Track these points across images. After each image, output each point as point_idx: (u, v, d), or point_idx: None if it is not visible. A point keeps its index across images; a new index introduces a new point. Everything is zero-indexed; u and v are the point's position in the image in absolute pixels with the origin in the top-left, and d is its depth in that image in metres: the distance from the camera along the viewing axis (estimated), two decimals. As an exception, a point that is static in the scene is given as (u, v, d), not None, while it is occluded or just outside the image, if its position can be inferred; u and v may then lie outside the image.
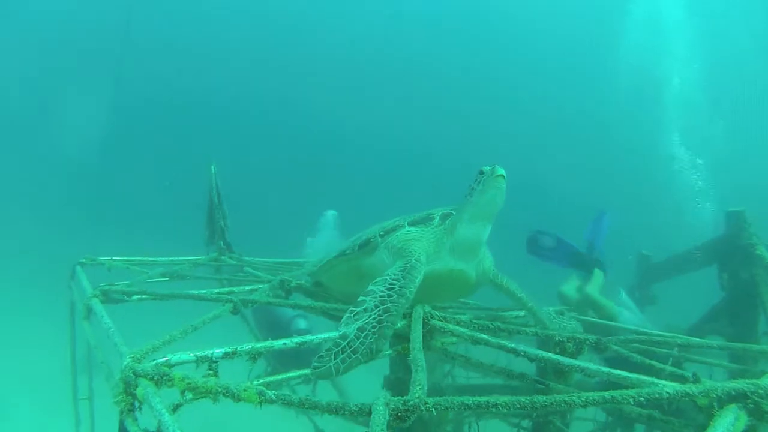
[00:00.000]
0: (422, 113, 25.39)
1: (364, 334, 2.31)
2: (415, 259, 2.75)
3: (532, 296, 3.26)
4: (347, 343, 2.28)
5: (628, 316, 4.97)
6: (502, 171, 2.71)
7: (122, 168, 22.79)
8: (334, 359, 2.24)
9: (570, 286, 5.16)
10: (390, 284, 2.57)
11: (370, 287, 2.58)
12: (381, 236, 3.00)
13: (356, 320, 2.39)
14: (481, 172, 2.79)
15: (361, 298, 2.52)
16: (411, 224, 2.99)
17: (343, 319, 2.44)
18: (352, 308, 2.47)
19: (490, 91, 25.76)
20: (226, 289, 3.63)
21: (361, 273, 3.09)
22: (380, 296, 2.50)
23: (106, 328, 2.72)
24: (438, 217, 2.99)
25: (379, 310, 2.42)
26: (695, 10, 16.81)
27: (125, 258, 4.70)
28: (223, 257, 5.04)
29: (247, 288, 3.58)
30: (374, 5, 27.01)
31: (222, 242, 5.12)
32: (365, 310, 2.45)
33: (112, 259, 4.57)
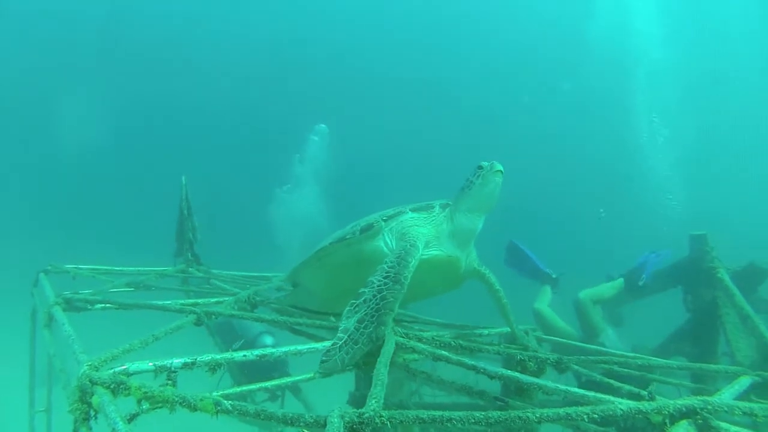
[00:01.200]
0: (396, 119, 25.12)
1: (363, 324, 2.40)
2: (410, 245, 2.83)
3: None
4: (349, 336, 2.36)
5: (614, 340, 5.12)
6: (500, 167, 2.93)
7: (94, 176, 22.37)
8: (339, 352, 2.31)
9: (543, 301, 5.34)
10: (386, 272, 2.65)
11: (370, 278, 2.65)
12: (384, 221, 3.04)
13: (356, 312, 2.48)
14: (480, 167, 2.98)
15: (361, 290, 2.59)
16: (413, 210, 3.09)
17: (344, 314, 2.51)
18: (352, 301, 2.56)
19: (456, 89, 25.60)
20: (191, 300, 3.60)
21: (361, 259, 3.08)
22: (377, 285, 2.57)
23: (67, 336, 2.68)
24: (438, 206, 3.11)
25: (376, 299, 2.50)
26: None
27: (91, 267, 4.63)
28: (190, 269, 5.00)
29: (213, 300, 3.56)
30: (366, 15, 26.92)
31: (190, 254, 5.08)
32: (364, 301, 2.53)
33: (77, 267, 4.51)
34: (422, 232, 2.99)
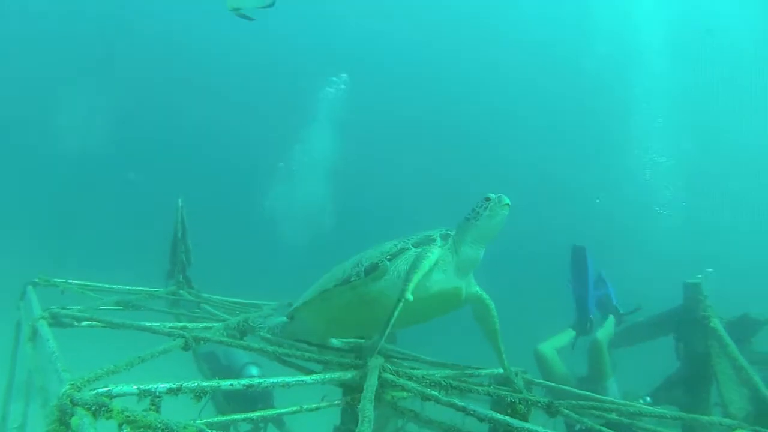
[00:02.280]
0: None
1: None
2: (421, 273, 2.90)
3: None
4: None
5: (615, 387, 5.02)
6: (508, 200, 2.98)
7: (89, 188, 22.09)
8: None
9: (552, 345, 5.20)
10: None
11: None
12: (389, 260, 3.01)
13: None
14: (488, 199, 3.00)
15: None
16: (415, 245, 3.07)
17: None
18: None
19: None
20: (180, 324, 3.56)
21: (367, 300, 3.06)
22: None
23: (50, 352, 2.63)
24: (438, 238, 3.09)
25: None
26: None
27: (81, 282, 4.58)
28: (181, 291, 4.95)
29: (202, 325, 3.51)
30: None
31: (181, 276, 5.04)
32: None
33: (67, 281, 4.45)
34: (434, 260, 3.01)
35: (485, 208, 2.98)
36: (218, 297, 4.99)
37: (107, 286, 4.68)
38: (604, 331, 5.30)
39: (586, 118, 21.20)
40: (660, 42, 17.28)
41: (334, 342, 3.54)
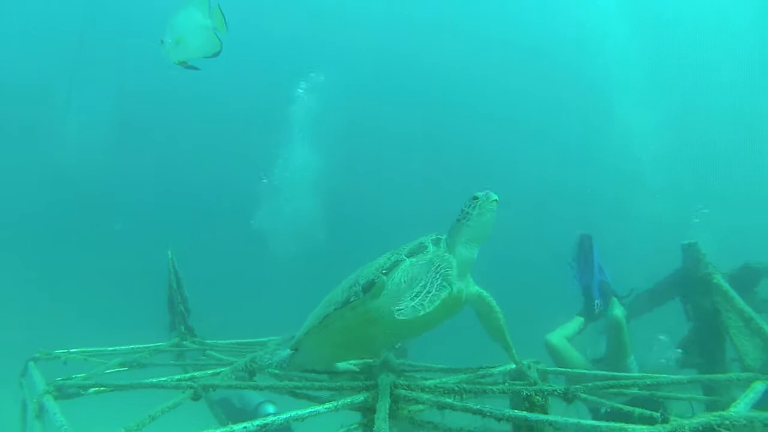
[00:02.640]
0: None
1: (432, 279, 2.69)
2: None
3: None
4: (421, 288, 2.61)
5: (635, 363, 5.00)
6: (495, 196, 3.00)
7: (77, 253, 21.55)
8: (411, 302, 2.54)
9: (561, 334, 5.17)
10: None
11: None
12: (385, 274, 2.98)
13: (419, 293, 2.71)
14: (476, 198, 3.02)
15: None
16: (409, 255, 3.06)
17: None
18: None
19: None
20: (188, 374, 3.52)
21: (369, 319, 3.01)
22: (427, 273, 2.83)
23: (59, 427, 2.59)
24: (430, 243, 3.10)
25: (432, 272, 2.80)
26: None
27: (82, 349, 4.53)
28: (184, 342, 4.91)
29: (209, 372, 3.48)
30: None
31: (183, 327, 5.01)
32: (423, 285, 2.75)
33: (68, 351, 4.41)
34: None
35: (474, 207, 2.99)
36: (222, 341, 4.96)
37: (110, 349, 4.64)
38: (620, 309, 5.28)
39: (564, 112, 21.23)
40: (630, 29, 17.50)
41: (342, 366, 3.51)
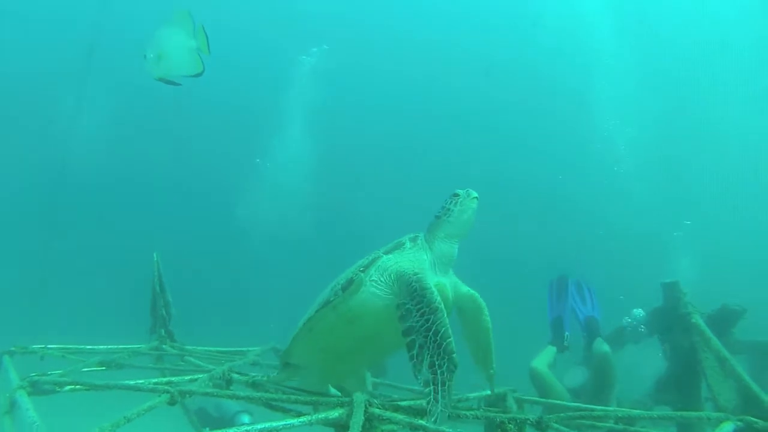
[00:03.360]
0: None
1: (437, 365, 2.51)
2: (412, 273, 2.88)
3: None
4: (435, 385, 2.47)
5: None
6: (476, 194, 3.08)
7: (61, 245, 21.06)
8: (439, 403, 2.42)
9: (543, 361, 5.24)
10: (418, 310, 2.70)
11: (406, 325, 2.69)
12: (362, 271, 3.00)
13: (421, 362, 2.56)
14: (456, 195, 3.10)
15: (409, 340, 2.64)
16: (387, 252, 3.10)
17: (413, 369, 2.58)
18: (411, 354, 2.61)
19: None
20: (166, 379, 3.51)
21: (352, 317, 3.01)
22: (420, 326, 2.64)
23: (30, 422, 2.58)
24: (407, 241, 3.15)
25: (431, 339, 2.58)
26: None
27: (61, 346, 4.50)
28: (164, 346, 4.90)
29: (187, 378, 3.47)
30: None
31: (163, 331, 5.00)
32: (420, 347, 2.60)
33: (46, 347, 4.38)
34: (406, 266, 3.00)
35: (455, 204, 3.08)
36: (202, 348, 4.95)
37: (89, 347, 4.61)
38: (606, 346, 5.37)
39: (547, 122, 20.98)
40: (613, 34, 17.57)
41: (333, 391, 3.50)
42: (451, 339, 2.56)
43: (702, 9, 20.28)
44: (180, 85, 4.43)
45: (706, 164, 18.66)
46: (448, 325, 2.62)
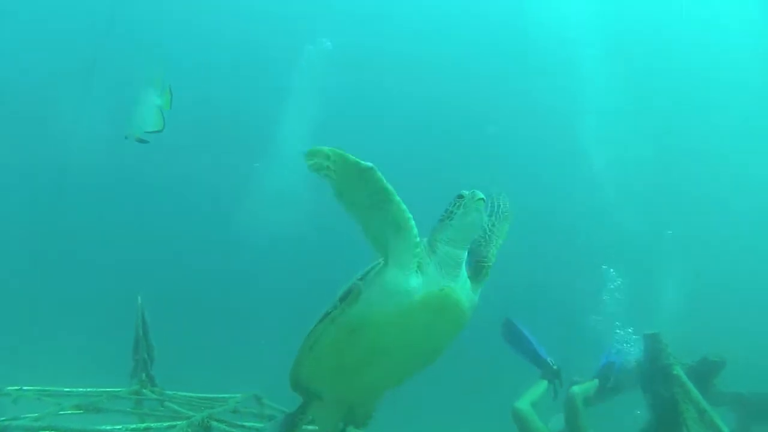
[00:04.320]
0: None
1: None
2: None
3: None
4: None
5: None
6: (482, 195, 2.78)
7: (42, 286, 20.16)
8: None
9: (527, 400, 5.18)
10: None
11: None
12: (361, 280, 2.83)
13: None
14: (461, 196, 2.82)
15: None
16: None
17: None
18: None
19: None
20: (144, 424, 3.48)
21: (354, 328, 2.80)
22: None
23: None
24: None
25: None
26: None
27: (37, 388, 4.44)
28: (144, 390, 4.84)
29: (165, 425, 3.44)
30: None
31: (144, 375, 4.96)
32: None
33: (21, 389, 4.33)
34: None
35: (459, 206, 2.79)
36: (183, 393, 4.90)
37: (66, 389, 4.55)
38: (582, 387, 5.33)
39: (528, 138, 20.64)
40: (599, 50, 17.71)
41: None
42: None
43: (688, 26, 20.62)
44: (148, 142, 4.63)
45: (691, 183, 18.71)
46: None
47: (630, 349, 5.77)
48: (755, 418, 5.57)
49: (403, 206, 2.64)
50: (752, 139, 19.49)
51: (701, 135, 19.45)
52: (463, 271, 2.90)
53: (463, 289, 2.86)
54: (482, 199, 2.77)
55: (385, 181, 2.58)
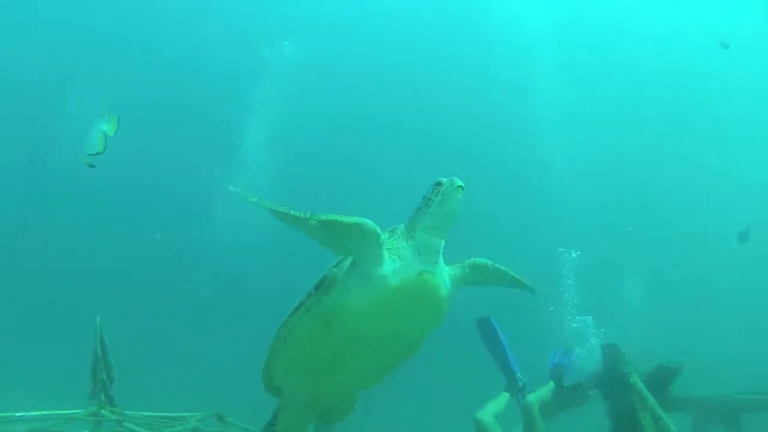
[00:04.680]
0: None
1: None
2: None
3: None
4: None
5: None
6: (461, 182, 2.69)
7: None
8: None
9: (489, 411, 5.19)
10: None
11: None
12: (336, 267, 2.76)
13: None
14: (439, 184, 2.74)
15: None
16: None
17: None
18: None
19: None
20: (101, 448, 3.39)
21: (329, 319, 2.70)
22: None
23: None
24: (386, 233, 2.76)
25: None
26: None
27: (-14, 414, 4.30)
28: (103, 411, 4.72)
29: (123, 448, 3.37)
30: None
31: (103, 395, 4.83)
32: None
33: (-33, 417, 4.18)
34: (386, 249, 2.71)
35: (437, 194, 2.71)
36: (142, 413, 4.80)
37: (18, 414, 4.40)
38: (537, 395, 5.39)
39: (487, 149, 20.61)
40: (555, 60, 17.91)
41: None
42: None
43: (642, 34, 21.04)
44: (94, 166, 4.84)
45: (652, 192, 19.06)
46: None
47: (578, 348, 5.87)
48: (711, 421, 5.78)
49: (352, 220, 2.59)
50: (710, 140, 20.06)
51: (660, 137, 19.93)
52: (441, 260, 2.83)
53: (440, 276, 2.79)
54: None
55: (322, 216, 2.53)
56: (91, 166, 4.78)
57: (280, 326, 2.89)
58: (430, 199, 2.73)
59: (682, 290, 16.04)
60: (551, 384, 5.57)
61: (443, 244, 2.79)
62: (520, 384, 5.43)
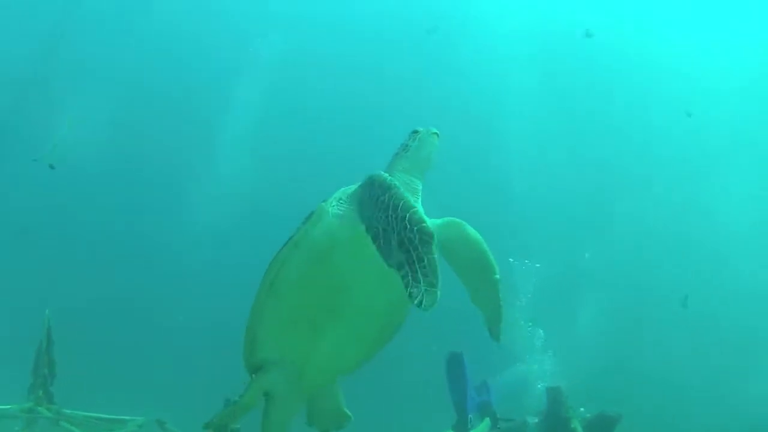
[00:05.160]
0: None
1: (408, 239, 2.08)
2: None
3: None
4: (409, 265, 2.00)
5: None
6: (436, 130, 2.90)
7: None
8: (420, 283, 1.93)
9: None
10: (371, 195, 2.41)
11: (364, 216, 2.40)
12: (325, 201, 2.78)
13: (389, 243, 2.17)
14: (416, 131, 2.93)
15: (372, 234, 2.26)
16: (347, 187, 2.82)
17: (383, 257, 2.14)
18: (377, 243, 2.22)
19: None
20: (31, 446, 3.31)
21: (319, 256, 2.69)
22: (378, 209, 2.33)
23: None
24: (367, 176, 2.72)
25: (391, 216, 2.24)
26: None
27: None
28: (39, 408, 4.59)
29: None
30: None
31: (42, 391, 4.70)
32: (384, 231, 2.23)
33: None
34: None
35: (414, 140, 2.92)
36: (81, 413, 4.68)
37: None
38: (486, 428, 5.46)
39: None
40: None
41: None
42: (417, 208, 2.20)
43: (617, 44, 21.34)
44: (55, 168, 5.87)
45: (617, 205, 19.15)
46: (409, 198, 2.32)
47: (489, 379, 5.94)
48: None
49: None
50: (673, 159, 20.29)
51: (621, 152, 20.14)
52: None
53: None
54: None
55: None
56: (52, 167, 5.14)
57: (268, 265, 2.85)
58: (407, 146, 2.92)
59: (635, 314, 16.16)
60: (487, 421, 5.65)
61: (421, 186, 2.89)
62: (469, 427, 5.48)
